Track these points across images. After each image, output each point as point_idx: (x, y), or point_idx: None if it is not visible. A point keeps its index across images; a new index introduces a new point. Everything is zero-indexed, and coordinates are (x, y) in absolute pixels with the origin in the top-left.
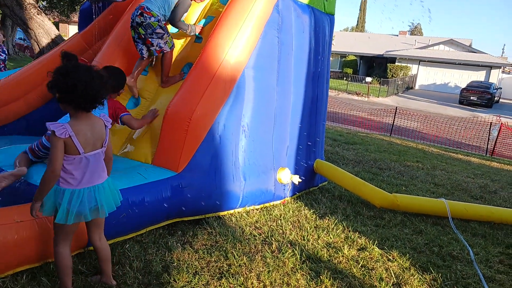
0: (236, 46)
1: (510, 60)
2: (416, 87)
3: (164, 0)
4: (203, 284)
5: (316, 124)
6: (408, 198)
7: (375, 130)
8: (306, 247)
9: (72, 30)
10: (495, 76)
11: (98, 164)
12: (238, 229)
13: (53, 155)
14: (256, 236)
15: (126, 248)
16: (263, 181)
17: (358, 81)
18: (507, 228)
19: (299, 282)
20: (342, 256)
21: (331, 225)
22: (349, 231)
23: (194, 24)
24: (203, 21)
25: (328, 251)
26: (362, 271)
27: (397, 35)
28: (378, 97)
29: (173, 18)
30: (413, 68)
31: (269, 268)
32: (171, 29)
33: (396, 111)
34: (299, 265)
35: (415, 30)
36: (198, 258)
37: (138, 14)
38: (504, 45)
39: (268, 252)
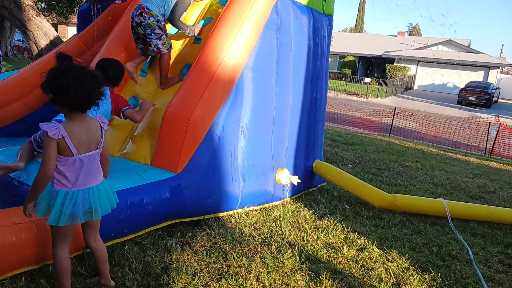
0: (235, 47)
1: (509, 60)
2: (415, 87)
3: None
4: (202, 285)
5: (315, 125)
6: (407, 198)
7: (374, 130)
8: (306, 247)
9: (70, 31)
10: (494, 76)
11: (93, 165)
12: (237, 230)
13: (45, 156)
14: (256, 237)
15: (125, 250)
16: (262, 182)
17: (356, 81)
18: (506, 228)
19: (299, 282)
20: (342, 256)
21: (330, 225)
22: (349, 231)
23: (193, 25)
24: (202, 22)
25: (328, 251)
26: (362, 271)
27: (396, 36)
28: (377, 97)
29: (173, 17)
30: (412, 69)
31: (268, 269)
32: (170, 29)
33: (395, 111)
34: (298, 265)
35: (414, 31)
36: (198, 259)
37: (137, 14)
38: (503, 45)
39: (267, 253)
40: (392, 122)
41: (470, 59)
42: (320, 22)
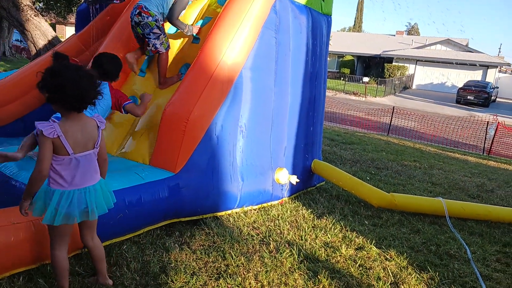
0: (233, 47)
1: (507, 59)
2: (413, 86)
3: None
4: (200, 285)
5: (314, 124)
6: (405, 198)
7: (372, 129)
8: (304, 247)
9: (69, 31)
10: (492, 76)
11: (89, 165)
12: (236, 230)
13: (40, 154)
14: (254, 236)
15: (123, 249)
16: (260, 182)
17: (355, 81)
18: (504, 227)
19: (297, 282)
20: (340, 255)
21: (329, 224)
22: (347, 230)
23: (192, 24)
24: (200, 21)
25: (326, 250)
26: (360, 270)
27: (394, 35)
28: (375, 97)
29: (171, 15)
30: (410, 68)
31: (267, 268)
32: (169, 29)
33: (393, 110)
34: (297, 265)
35: (412, 30)
36: (196, 258)
37: (136, 13)
38: (501, 44)
39: (266, 252)
40: (391, 121)
41: (469, 59)
42: (318, 22)
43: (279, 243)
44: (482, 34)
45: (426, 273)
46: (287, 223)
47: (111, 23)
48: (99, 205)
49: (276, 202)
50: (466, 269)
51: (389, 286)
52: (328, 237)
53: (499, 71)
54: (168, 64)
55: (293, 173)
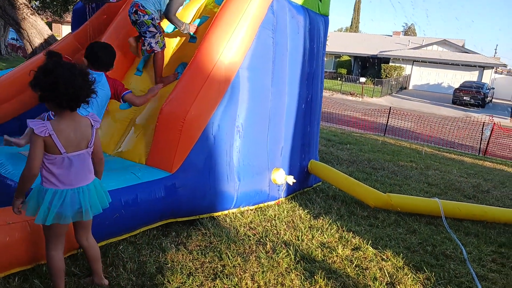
0: (230, 47)
1: (503, 60)
2: (410, 87)
3: None
4: (197, 285)
5: (311, 125)
6: (401, 198)
7: (369, 130)
8: (301, 247)
9: (65, 30)
10: (488, 76)
11: (83, 165)
12: (232, 230)
13: (31, 153)
14: (251, 236)
15: (119, 250)
16: (257, 182)
17: (352, 81)
18: (500, 227)
19: (293, 282)
20: (336, 256)
21: (325, 225)
22: (343, 231)
23: (189, 23)
24: (197, 20)
25: (322, 251)
26: (356, 270)
27: (391, 36)
28: (372, 97)
29: (169, 11)
30: (407, 68)
31: (263, 269)
32: (166, 28)
33: (390, 111)
34: (293, 265)
35: (409, 31)
36: (192, 259)
37: (133, 11)
38: (497, 45)
39: (262, 253)
40: (387, 122)
41: (465, 59)
42: (316, 22)
43: (276, 244)
44: (478, 35)
45: (422, 274)
46: (284, 224)
47: (107, 22)
48: (93, 205)
49: (272, 202)
50: (462, 269)
51: (385, 286)
52: (325, 237)
53: (495, 72)
54: (165, 63)
55: (290, 173)
